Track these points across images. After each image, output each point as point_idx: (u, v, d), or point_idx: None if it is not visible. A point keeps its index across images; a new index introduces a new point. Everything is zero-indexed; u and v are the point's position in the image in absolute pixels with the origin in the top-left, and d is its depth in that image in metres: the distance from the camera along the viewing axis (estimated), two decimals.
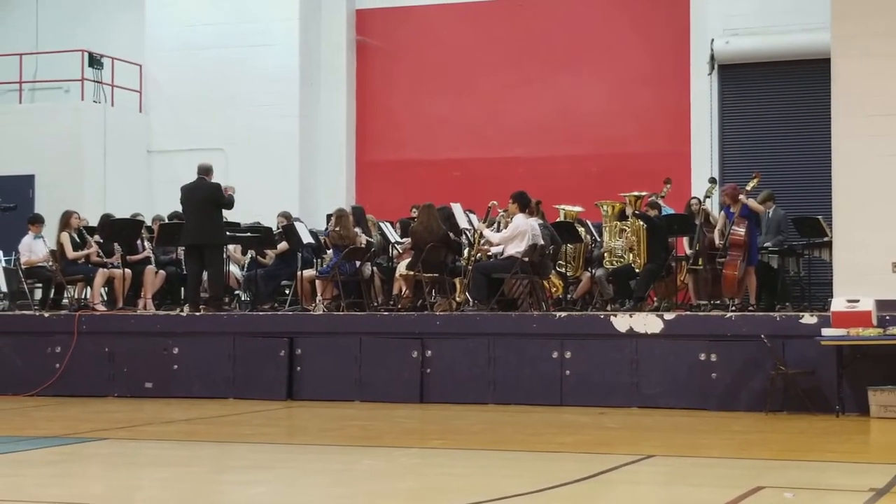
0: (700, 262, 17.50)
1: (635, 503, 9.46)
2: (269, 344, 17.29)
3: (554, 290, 18.89)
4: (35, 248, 19.53)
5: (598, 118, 24.29)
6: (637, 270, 17.68)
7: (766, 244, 18.06)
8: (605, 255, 18.21)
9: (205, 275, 18.46)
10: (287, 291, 19.82)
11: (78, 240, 19.23)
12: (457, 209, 18.42)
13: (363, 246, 18.67)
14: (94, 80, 25.51)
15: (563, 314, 16.76)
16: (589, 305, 18.61)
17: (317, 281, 18.88)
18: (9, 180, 21.15)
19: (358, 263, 18.53)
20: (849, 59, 15.79)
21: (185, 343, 17.72)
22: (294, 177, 25.12)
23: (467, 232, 18.42)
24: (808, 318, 15.19)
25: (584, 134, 24.32)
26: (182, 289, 19.80)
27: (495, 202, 18.38)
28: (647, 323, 15.89)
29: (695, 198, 19.17)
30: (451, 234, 18.13)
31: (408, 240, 18.61)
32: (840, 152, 15.78)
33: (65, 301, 19.72)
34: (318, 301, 18.64)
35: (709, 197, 18.15)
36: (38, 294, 20.01)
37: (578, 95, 24.47)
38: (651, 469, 11.02)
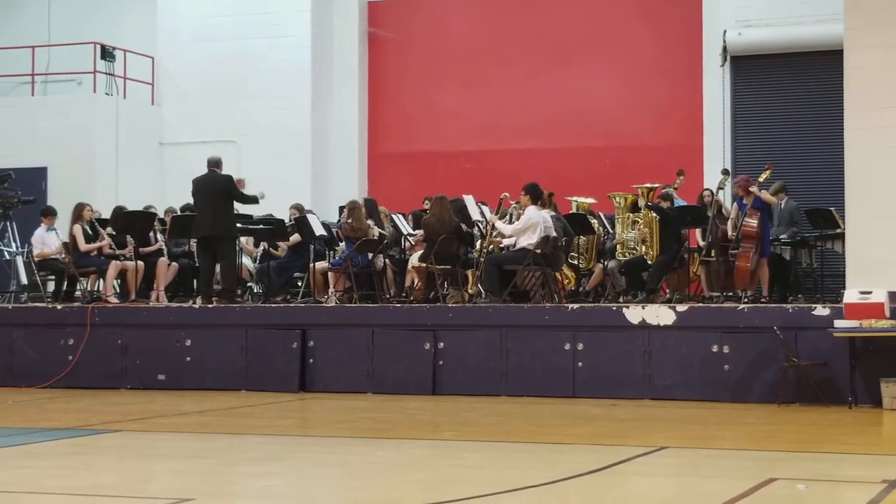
0: (713, 254, 17.48)
1: (648, 494, 9.45)
2: (282, 336, 17.29)
3: (566, 281, 18.88)
4: (48, 241, 19.57)
5: (610, 110, 24.28)
6: (649, 262, 17.67)
7: (781, 236, 18.02)
8: (618, 246, 18.20)
9: (217, 267, 18.48)
10: (299, 283, 19.82)
11: (90, 232, 19.25)
12: (469, 201, 18.41)
13: (375, 238, 18.67)
14: (106, 73, 25.54)
15: (576, 306, 16.74)
16: (601, 297, 18.60)
17: (329, 273, 18.87)
18: (22, 173, 21.15)
19: (370, 255, 18.54)
20: (861, 51, 15.73)
21: (197, 335, 17.74)
22: (306, 169, 25.14)
23: (479, 224, 18.41)
24: (821, 310, 15.17)
25: (596, 126, 24.30)
26: (194, 281, 19.83)
27: (507, 194, 18.36)
28: (660, 315, 15.88)
29: (707, 189, 19.15)
30: (463, 226, 18.13)
31: (420, 232, 18.61)
32: (852, 144, 15.73)
33: (77, 293, 19.74)
34: (330, 293, 18.64)
35: (721, 188, 18.11)
36: (51, 286, 20.05)
37: (591, 87, 24.46)
38: (663, 461, 11.03)
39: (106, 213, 20.26)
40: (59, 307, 18.70)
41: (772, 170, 17.37)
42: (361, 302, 18.15)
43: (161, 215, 20.60)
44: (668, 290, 18.04)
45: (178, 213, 20.13)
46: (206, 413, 15.10)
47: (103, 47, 25.35)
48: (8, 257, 20.19)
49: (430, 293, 18.12)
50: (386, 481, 9.82)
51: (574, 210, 19.27)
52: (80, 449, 11.89)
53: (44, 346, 18.25)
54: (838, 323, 14.63)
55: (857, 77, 15.72)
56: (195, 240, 19.05)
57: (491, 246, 17.86)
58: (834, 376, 14.90)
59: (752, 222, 16.75)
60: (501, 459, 11.03)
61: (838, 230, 17.63)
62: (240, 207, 19.04)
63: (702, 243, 18.11)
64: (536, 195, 17.43)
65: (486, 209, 18.82)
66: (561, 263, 18.04)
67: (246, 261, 20.39)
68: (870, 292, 14.67)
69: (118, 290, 19.75)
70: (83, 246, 19.07)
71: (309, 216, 19.22)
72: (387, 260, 19.14)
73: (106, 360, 17.92)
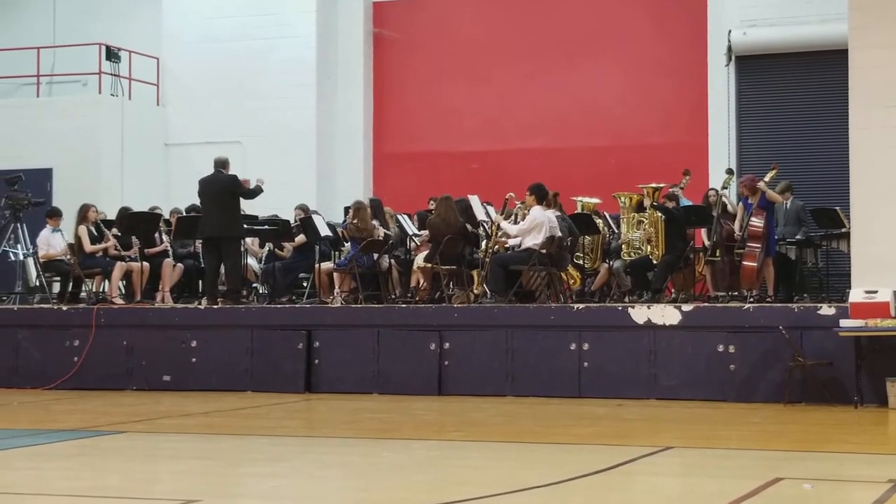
0: (718, 254, 17.48)
1: (654, 494, 9.45)
2: (287, 337, 17.29)
3: (572, 281, 18.89)
4: (53, 242, 19.58)
5: (615, 109, 24.29)
6: (655, 262, 17.67)
7: (795, 236, 17.99)
8: (623, 246, 18.21)
9: (222, 268, 18.49)
10: (305, 284, 19.84)
11: (96, 233, 19.26)
12: (474, 201, 18.41)
13: (381, 238, 18.67)
14: (111, 74, 25.57)
15: (581, 306, 16.74)
16: (607, 297, 18.61)
17: (334, 273, 18.89)
18: (27, 174, 21.12)
19: (375, 256, 18.54)
20: (866, 50, 15.71)
21: (203, 336, 17.74)
22: (311, 169, 25.15)
23: (485, 224, 18.42)
24: (826, 310, 15.16)
25: (601, 125, 24.31)
26: (200, 282, 19.85)
27: (513, 194, 18.37)
28: (665, 314, 15.87)
29: (712, 189, 19.14)
30: (468, 227, 18.14)
31: (425, 232, 18.61)
32: (858, 143, 15.71)
33: (83, 294, 19.75)
34: (335, 294, 18.65)
35: (726, 188, 18.10)
36: (57, 287, 20.06)
37: (596, 87, 24.46)
38: (669, 460, 11.03)
39: (111, 214, 20.27)
40: (64, 308, 18.70)
41: (778, 169, 17.37)
42: (367, 302, 18.15)
43: (166, 216, 20.61)
44: (673, 290, 18.04)
45: (184, 213, 20.14)
46: (212, 414, 15.10)
47: (108, 48, 25.36)
48: (18, 258, 20.18)
49: (436, 293, 18.11)
50: (392, 482, 9.82)
51: (579, 210, 19.28)
52: (86, 450, 11.90)
53: (49, 347, 18.25)
54: (844, 322, 14.61)
55: (862, 76, 15.69)
56: (200, 240, 19.07)
57: (496, 246, 17.86)
58: (840, 376, 14.88)
59: (758, 222, 16.74)
60: (507, 460, 11.04)
61: (843, 229, 17.62)
62: (247, 206, 19.05)
63: (707, 243, 18.11)
64: (542, 195, 17.43)
65: (491, 209, 18.82)
66: (566, 263, 18.05)
67: (251, 261, 20.39)
68: (875, 291, 14.66)
69: (123, 291, 19.77)
70: (88, 247, 19.07)
71: (314, 217, 19.22)
72: (392, 260, 19.15)
73: (111, 361, 17.92)
